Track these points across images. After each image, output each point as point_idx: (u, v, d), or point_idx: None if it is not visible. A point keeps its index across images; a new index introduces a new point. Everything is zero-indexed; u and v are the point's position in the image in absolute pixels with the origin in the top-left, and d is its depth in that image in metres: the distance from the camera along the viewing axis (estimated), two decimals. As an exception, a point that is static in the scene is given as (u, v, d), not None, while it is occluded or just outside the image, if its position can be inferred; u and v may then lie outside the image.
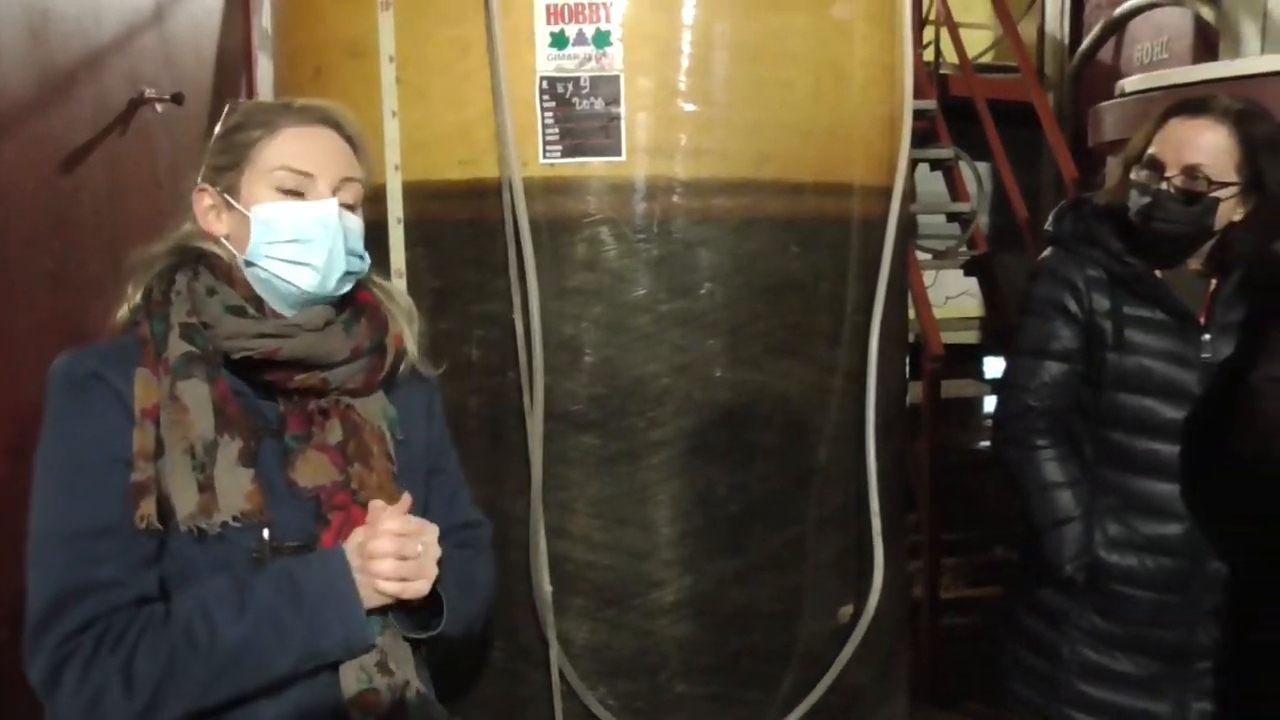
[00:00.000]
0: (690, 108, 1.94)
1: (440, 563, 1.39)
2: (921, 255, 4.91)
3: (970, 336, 4.93)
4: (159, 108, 3.06)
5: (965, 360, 5.13)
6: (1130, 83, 3.74)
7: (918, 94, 2.36)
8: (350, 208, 1.43)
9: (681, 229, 1.96)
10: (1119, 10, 5.79)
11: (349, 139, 1.46)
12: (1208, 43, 5.05)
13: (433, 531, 1.39)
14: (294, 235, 1.37)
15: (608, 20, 1.90)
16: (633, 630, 2.01)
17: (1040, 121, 4.76)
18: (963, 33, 5.44)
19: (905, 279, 2.42)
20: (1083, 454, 2.10)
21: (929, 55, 5.61)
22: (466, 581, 1.51)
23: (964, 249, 5.05)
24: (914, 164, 3.22)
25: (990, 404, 4.77)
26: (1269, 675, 1.98)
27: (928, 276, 4.85)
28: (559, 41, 1.90)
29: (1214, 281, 2.04)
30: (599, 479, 1.98)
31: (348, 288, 1.44)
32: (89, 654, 1.26)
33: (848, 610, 2.18)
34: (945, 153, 5.03)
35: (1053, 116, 4.97)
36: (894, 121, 2.19)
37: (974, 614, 4.38)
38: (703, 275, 1.98)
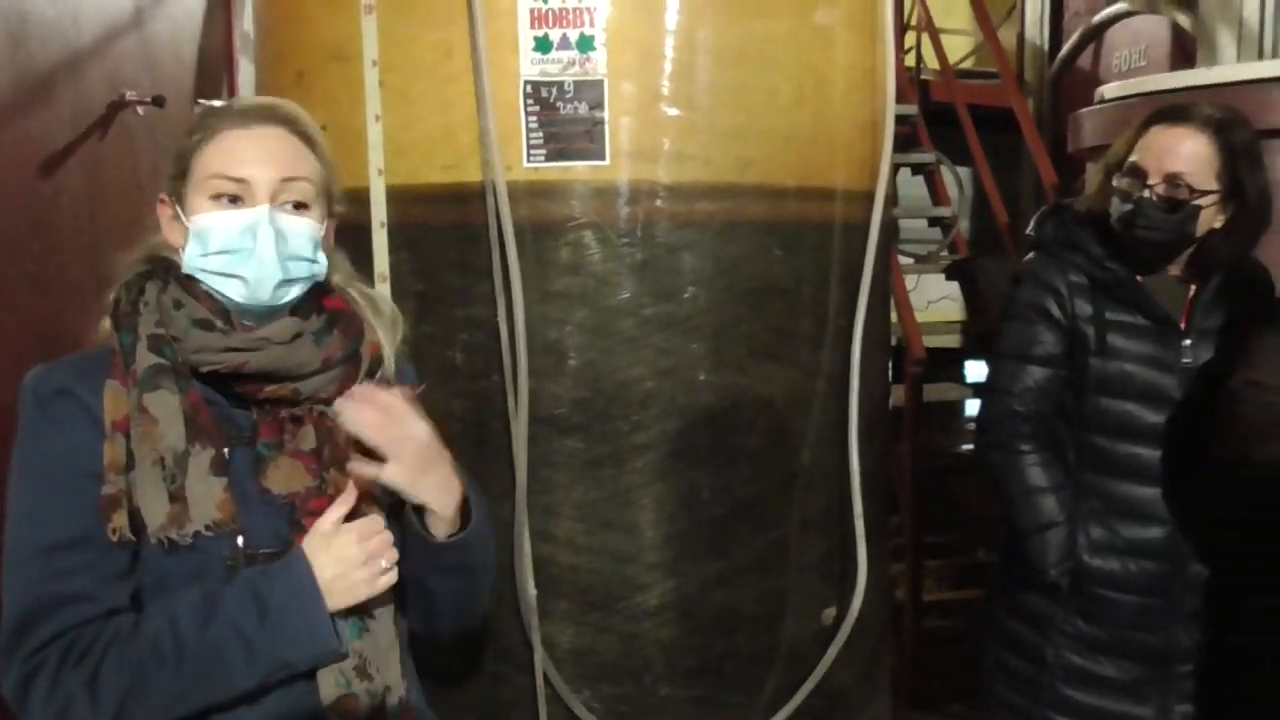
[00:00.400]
0: (673, 112, 1.94)
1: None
2: (903, 259, 4.93)
3: (952, 340, 4.95)
4: (140, 110, 3.05)
5: (947, 364, 5.16)
6: (1109, 89, 3.77)
7: (899, 99, 2.37)
8: (302, 206, 1.38)
9: (665, 233, 1.96)
10: (1097, 17, 5.84)
11: (301, 134, 1.40)
12: (1185, 50, 5.11)
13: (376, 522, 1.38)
14: (223, 246, 1.33)
15: (591, 25, 1.89)
16: (617, 633, 2.00)
17: (1020, 127, 4.80)
18: (943, 38, 5.48)
19: (887, 283, 2.42)
20: (1066, 459, 2.11)
21: (910, 60, 5.64)
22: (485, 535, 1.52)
23: (945, 253, 5.09)
24: (896, 169, 3.23)
25: (972, 407, 4.81)
26: (1250, 678, 2.00)
27: (909, 280, 4.87)
28: (543, 46, 1.90)
29: (1194, 287, 2.06)
30: (583, 482, 1.98)
31: (294, 294, 1.38)
32: (55, 667, 1.26)
33: (831, 612, 2.18)
34: (927, 157, 5.06)
35: (1033, 122, 5.02)
36: (876, 126, 2.20)
37: (956, 616, 4.40)
38: (686, 279, 1.98)
